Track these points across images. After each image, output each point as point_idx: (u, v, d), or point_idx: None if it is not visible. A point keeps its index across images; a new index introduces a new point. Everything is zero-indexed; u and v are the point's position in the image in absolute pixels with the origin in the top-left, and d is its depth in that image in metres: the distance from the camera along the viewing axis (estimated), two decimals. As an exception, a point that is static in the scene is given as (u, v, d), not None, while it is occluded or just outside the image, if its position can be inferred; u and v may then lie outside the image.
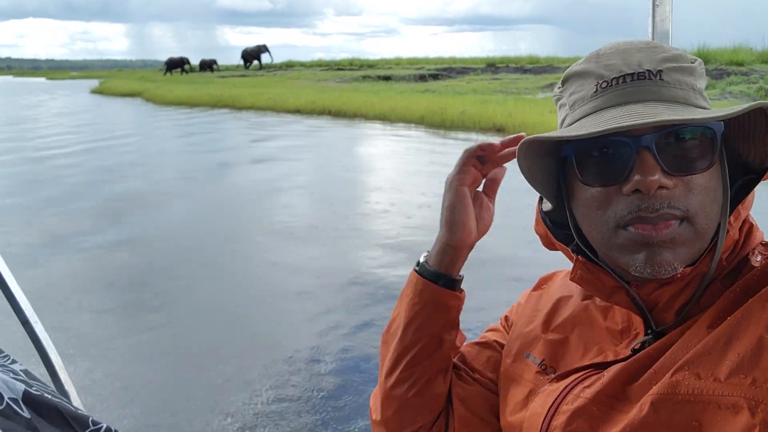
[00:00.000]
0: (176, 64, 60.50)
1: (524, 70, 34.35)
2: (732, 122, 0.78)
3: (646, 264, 0.75)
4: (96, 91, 46.95)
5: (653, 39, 1.28)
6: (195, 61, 62.45)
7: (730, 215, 0.79)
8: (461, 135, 17.05)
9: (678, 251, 0.75)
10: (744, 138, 0.80)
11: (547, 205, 0.93)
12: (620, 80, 0.77)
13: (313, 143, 16.16)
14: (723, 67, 23.86)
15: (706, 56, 25.60)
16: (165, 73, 59.71)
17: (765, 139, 0.78)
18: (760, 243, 0.82)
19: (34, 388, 1.03)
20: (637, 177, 0.73)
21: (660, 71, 0.77)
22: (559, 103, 0.88)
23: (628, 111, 0.74)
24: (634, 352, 0.81)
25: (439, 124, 19.02)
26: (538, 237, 0.95)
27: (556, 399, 0.85)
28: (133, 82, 49.41)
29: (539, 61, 36.85)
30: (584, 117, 0.79)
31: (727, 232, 0.78)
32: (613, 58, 0.80)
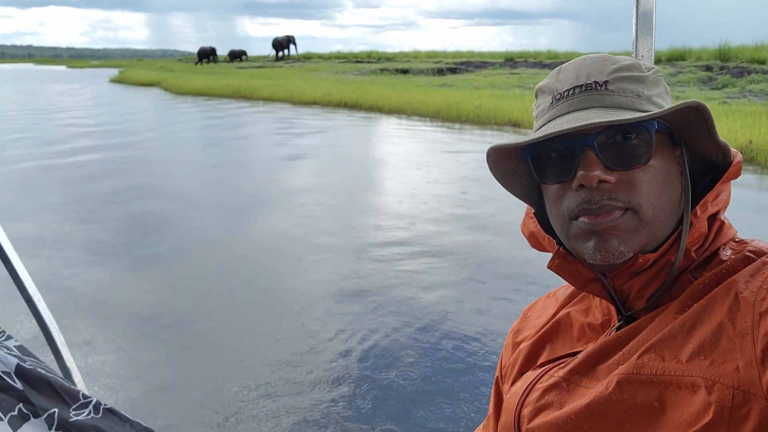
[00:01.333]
0: (206, 54, 61.42)
1: (543, 65, 34.07)
2: (677, 120, 0.85)
3: (595, 250, 0.83)
4: (115, 81, 47.34)
5: (637, 22, 1.33)
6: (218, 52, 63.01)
7: (694, 208, 0.84)
8: (477, 131, 17.01)
9: (624, 237, 0.82)
10: (693, 135, 0.86)
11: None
12: (570, 92, 0.87)
13: (325, 143, 16.14)
14: (744, 65, 23.56)
15: (727, 54, 25.31)
16: (197, 63, 60.59)
17: (708, 134, 0.84)
18: (732, 239, 0.87)
19: (27, 363, 1.08)
20: (581, 173, 0.83)
21: (606, 81, 0.85)
22: (533, 115, 0.97)
23: (572, 117, 0.84)
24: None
25: (454, 119, 19.00)
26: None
27: (532, 380, 0.94)
28: (151, 72, 49.78)
29: (558, 56, 36.48)
30: (543, 126, 0.89)
31: (692, 224, 0.84)
32: (568, 73, 0.90)
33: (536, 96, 0.95)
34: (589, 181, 0.81)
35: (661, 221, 0.83)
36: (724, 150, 0.86)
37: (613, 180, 0.81)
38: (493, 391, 1.14)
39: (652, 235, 0.83)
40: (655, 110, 0.83)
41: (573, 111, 0.85)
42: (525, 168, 0.95)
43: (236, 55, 61.50)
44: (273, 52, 60.64)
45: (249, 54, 63.61)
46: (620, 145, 0.82)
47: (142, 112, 24.38)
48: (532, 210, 0.99)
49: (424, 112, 20.46)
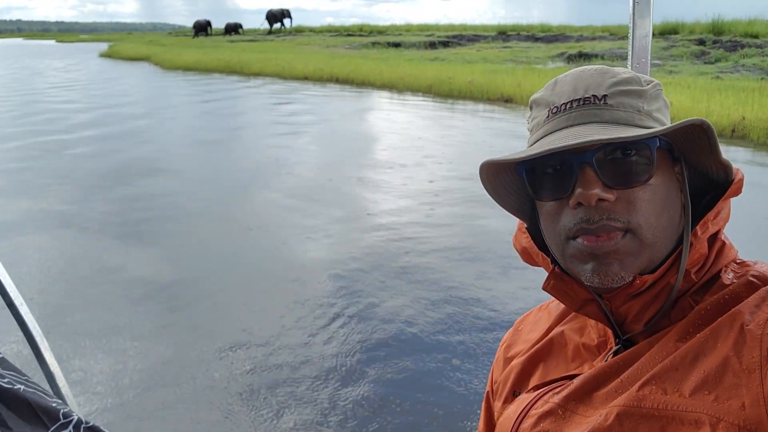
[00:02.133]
0: (203, 27, 61.12)
1: (535, 39, 33.72)
2: (679, 136, 0.81)
3: (593, 274, 0.79)
4: (105, 55, 46.72)
5: (634, 7, 1.30)
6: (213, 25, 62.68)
7: (695, 227, 0.81)
8: (469, 106, 16.94)
9: (625, 261, 0.79)
10: (695, 152, 0.83)
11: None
12: (567, 105, 0.84)
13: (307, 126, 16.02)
14: (737, 39, 23.43)
15: (720, 27, 25.16)
16: (194, 36, 60.13)
17: (711, 152, 0.81)
18: (734, 261, 0.84)
19: (5, 380, 1.05)
20: (579, 190, 0.79)
21: (605, 95, 0.82)
22: (527, 127, 0.93)
23: (570, 133, 0.80)
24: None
25: (446, 94, 18.87)
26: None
27: (527, 405, 0.90)
28: (141, 46, 49.05)
29: (551, 30, 36.07)
30: (538, 140, 0.85)
31: (692, 245, 0.81)
32: (565, 85, 0.86)
33: (530, 108, 0.92)
34: (588, 199, 0.78)
35: (661, 242, 0.80)
36: (726, 167, 0.82)
37: (613, 198, 0.78)
38: (483, 406, 1.12)
39: (653, 257, 0.80)
40: (656, 126, 0.80)
41: (571, 126, 0.82)
42: (518, 182, 0.91)
43: (232, 29, 60.66)
44: (266, 25, 60.14)
45: (243, 27, 63.12)
46: (620, 162, 0.79)
47: (132, 97, 24.04)
48: (525, 225, 0.96)
49: (416, 86, 20.29)
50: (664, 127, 0.77)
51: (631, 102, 0.82)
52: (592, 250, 0.79)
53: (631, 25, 1.32)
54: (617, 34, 29.70)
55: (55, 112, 16.69)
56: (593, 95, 0.82)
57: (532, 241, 0.92)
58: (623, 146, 0.79)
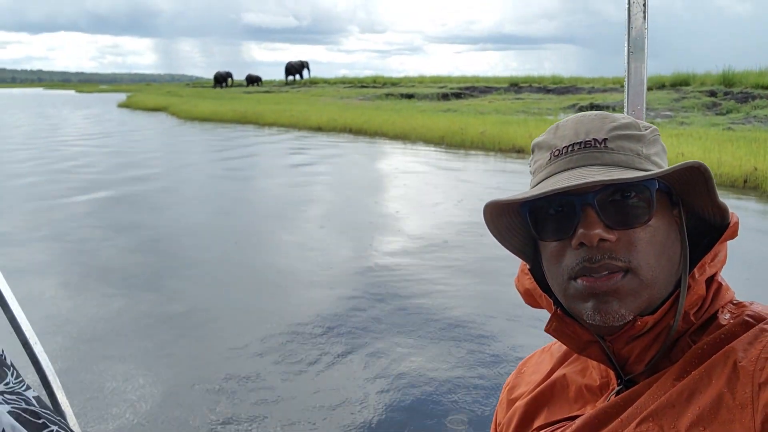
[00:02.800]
0: (223, 78, 63.57)
1: (547, 90, 34.22)
2: (677, 180, 0.84)
3: (594, 312, 0.81)
4: (123, 105, 47.76)
5: (629, 47, 1.33)
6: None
7: (692, 270, 0.83)
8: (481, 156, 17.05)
9: (625, 300, 0.80)
10: (692, 195, 0.85)
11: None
12: (569, 149, 0.86)
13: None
14: (749, 90, 23.62)
15: (731, 79, 25.39)
16: (214, 87, 62.58)
17: (708, 194, 0.83)
18: (730, 302, 0.86)
19: (40, 420, 1.05)
20: (581, 231, 0.81)
21: (605, 139, 0.85)
22: (529, 170, 0.96)
23: (572, 174, 0.83)
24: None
25: (459, 145, 19.05)
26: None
27: None
28: (159, 97, 50.20)
29: (563, 81, 36.56)
30: (540, 182, 0.88)
31: (690, 287, 0.82)
32: (567, 130, 0.89)
33: (533, 151, 0.94)
34: (590, 239, 0.80)
35: (660, 283, 0.82)
36: (722, 211, 0.84)
37: (614, 239, 0.80)
38: None
39: (652, 298, 0.82)
40: (655, 169, 0.83)
41: (572, 168, 0.84)
42: (521, 223, 0.93)
43: (253, 80, 63.35)
44: (284, 76, 62.94)
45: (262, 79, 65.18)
46: (621, 203, 0.82)
47: (149, 146, 24.33)
48: (527, 266, 0.97)
49: (429, 137, 20.53)
50: (663, 169, 0.80)
51: (631, 146, 0.85)
52: (593, 289, 0.80)
53: (626, 73, 1.36)
54: (628, 85, 29.84)
55: (67, 172, 15.70)
56: (594, 139, 0.85)
57: (535, 283, 0.94)
58: (624, 188, 0.81)
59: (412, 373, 4.50)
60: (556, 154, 0.87)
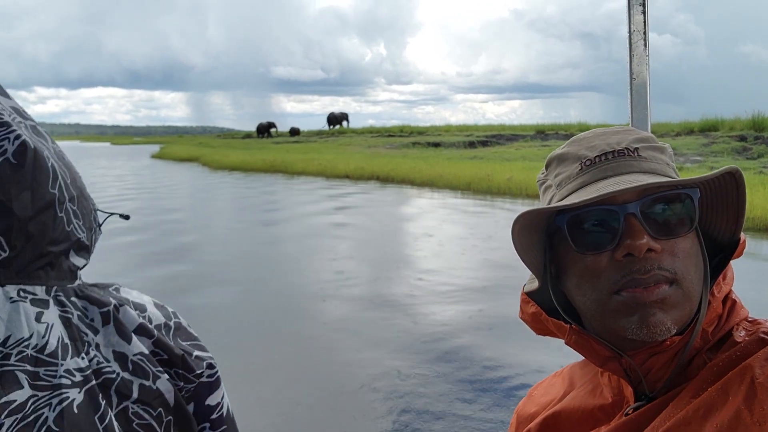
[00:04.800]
0: (265, 129, 66.76)
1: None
2: (707, 191, 0.83)
3: (641, 325, 0.78)
4: (156, 156, 48.90)
5: (632, 77, 1.34)
6: (251, 127, 67.35)
7: (711, 287, 0.82)
8: (507, 203, 17.02)
9: (670, 312, 0.78)
10: (718, 207, 0.85)
11: (530, 287, 0.96)
12: (602, 157, 0.84)
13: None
14: (779, 136, 23.34)
15: (761, 123, 25.17)
16: (259, 136, 65.51)
17: (734, 206, 0.83)
18: (745, 319, 0.84)
19: None
20: (627, 241, 0.78)
21: (637, 149, 0.84)
22: (544, 185, 0.93)
23: (614, 182, 0.80)
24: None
25: (485, 191, 19.05)
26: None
27: None
28: (190, 148, 51.46)
29: (589, 128, 36.05)
30: (572, 193, 0.85)
31: (710, 303, 0.81)
32: (593, 140, 0.87)
33: (549, 165, 0.93)
34: (639, 250, 0.77)
35: (696, 296, 0.80)
36: (738, 225, 0.84)
37: (660, 249, 0.78)
38: None
39: (691, 312, 0.80)
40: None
41: (612, 176, 0.82)
42: (539, 239, 0.90)
43: (295, 132, 66.41)
44: (327, 126, 67.54)
45: (284, 129, 67.90)
46: (664, 212, 0.80)
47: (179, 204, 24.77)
48: (525, 289, 0.95)
49: (455, 184, 20.59)
50: (707, 174, 0.79)
51: (660, 156, 0.85)
52: (641, 300, 0.77)
53: (629, 109, 1.36)
54: (656, 132, 29.78)
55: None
56: (626, 148, 0.84)
57: (539, 308, 0.91)
58: (666, 197, 0.80)
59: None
60: (588, 163, 0.85)
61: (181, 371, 0.86)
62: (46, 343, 0.71)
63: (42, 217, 0.71)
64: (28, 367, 0.69)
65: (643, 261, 0.77)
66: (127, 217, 1.01)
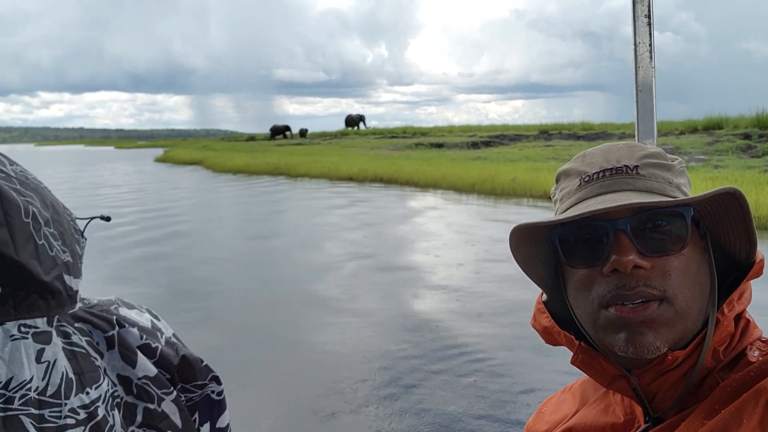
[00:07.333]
0: (280, 131, 67.44)
1: (577, 137, 34.05)
2: (708, 209, 0.82)
3: (628, 344, 0.78)
4: (160, 160, 48.97)
5: (637, 89, 1.34)
6: (253, 130, 68.03)
7: (721, 305, 0.81)
8: (513, 204, 16.99)
9: (660, 331, 0.77)
10: (723, 225, 0.83)
11: (547, 296, 0.96)
12: (600, 174, 0.85)
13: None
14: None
15: (765, 121, 25.03)
16: (271, 138, 65.92)
17: (741, 224, 0.81)
18: (759, 339, 0.83)
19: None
20: (614, 257, 0.79)
21: (637, 166, 0.84)
22: (554, 199, 0.94)
23: (605, 199, 0.82)
24: None
25: (489, 192, 19.02)
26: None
27: None
28: (194, 151, 51.45)
29: (592, 128, 36.37)
30: (570, 207, 0.86)
31: (719, 322, 0.80)
32: (596, 157, 0.88)
33: (557, 179, 0.93)
34: (624, 266, 0.77)
35: (693, 315, 0.80)
36: (751, 244, 0.82)
37: (648, 266, 0.78)
38: None
39: (686, 330, 0.79)
40: (681, 197, 0.81)
41: (605, 193, 0.83)
42: (546, 251, 0.91)
43: (302, 133, 67.02)
44: (344, 126, 68.71)
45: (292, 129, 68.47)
46: (654, 230, 0.80)
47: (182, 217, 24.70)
48: (543, 298, 0.95)
49: (459, 185, 20.56)
50: (701, 194, 0.78)
51: (662, 174, 0.84)
52: (627, 319, 0.77)
53: (636, 112, 1.35)
54: (660, 130, 29.74)
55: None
56: (625, 165, 0.84)
57: (553, 321, 0.91)
58: (658, 214, 0.80)
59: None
60: (586, 179, 0.86)
61: (188, 385, 0.86)
62: (48, 384, 0.71)
63: (26, 249, 0.70)
64: (33, 411, 0.69)
65: (629, 277, 0.78)
66: (108, 219, 1.00)
